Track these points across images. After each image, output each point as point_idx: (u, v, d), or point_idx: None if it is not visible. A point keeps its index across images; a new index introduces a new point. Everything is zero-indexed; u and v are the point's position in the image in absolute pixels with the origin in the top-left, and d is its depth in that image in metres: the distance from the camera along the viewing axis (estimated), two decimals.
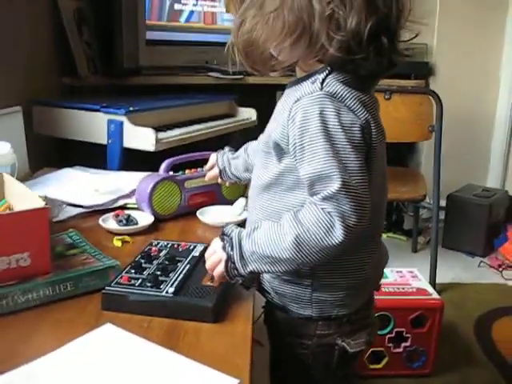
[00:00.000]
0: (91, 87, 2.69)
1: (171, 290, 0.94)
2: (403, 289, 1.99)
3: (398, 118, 2.41)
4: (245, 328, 0.90)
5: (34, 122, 2.15)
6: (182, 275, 1.00)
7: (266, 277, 1.05)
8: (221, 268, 0.93)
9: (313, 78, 0.93)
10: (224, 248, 0.93)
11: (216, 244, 0.96)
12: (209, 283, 0.98)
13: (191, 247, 1.13)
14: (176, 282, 0.97)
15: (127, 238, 1.26)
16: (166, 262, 1.04)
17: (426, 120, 2.49)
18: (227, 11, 0.89)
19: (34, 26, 2.34)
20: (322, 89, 0.90)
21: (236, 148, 1.37)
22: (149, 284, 0.96)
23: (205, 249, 1.10)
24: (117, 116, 2.02)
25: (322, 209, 0.87)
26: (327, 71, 0.92)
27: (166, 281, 0.97)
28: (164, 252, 1.10)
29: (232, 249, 0.92)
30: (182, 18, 3.02)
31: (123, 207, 1.45)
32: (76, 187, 1.58)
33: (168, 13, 2.93)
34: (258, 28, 0.90)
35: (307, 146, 0.89)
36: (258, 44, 0.92)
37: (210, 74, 2.87)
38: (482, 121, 3.53)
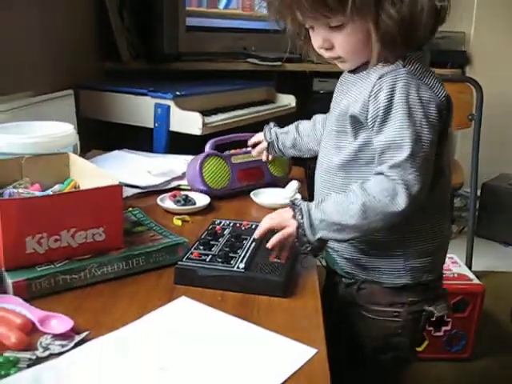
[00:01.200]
0: (132, 72, 2.73)
1: (242, 265, 0.98)
2: (444, 274, 2.00)
3: None
4: (314, 301, 0.94)
5: (80, 105, 2.19)
6: (249, 252, 1.03)
7: (349, 255, 1.11)
8: (290, 232, 0.99)
9: (391, 61, 0.98)
10: (294, 217, 0.99)
11: (285, 213, 1.02)
12: (276, 260, 1.01)
13: (253, 226, 1.16)
14: (245, 258, 1.00)
15: (187, 217, 1.30)
16: (233, 240, 1.08)
17: (465, 109, 2.49)
18: None
19: (79, 12, 2.39)
20: (404, 66, 0.97)
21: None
22: (219, 260, 1.00)
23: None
24: (164, 100, 2.06)
25: (387, 176, 0.95)
26: (401, 56, 0.98)
27: (235, 257, 1.01)
28: (228, 230, 1.14)
29: (302, 217, 0.98)
30: (221, 5, 3.04)
31: (177, 188, 1.49)
32: (129, 169, 1.62)
33: None
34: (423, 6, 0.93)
35: (386, 117, 0.96)
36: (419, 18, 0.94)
37: (249, 60, 2.89)
38: None
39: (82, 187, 1.21)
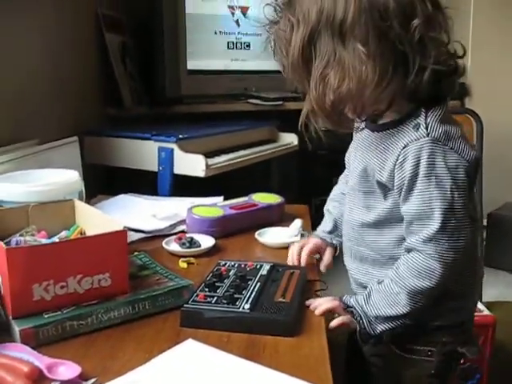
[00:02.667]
0: (135, 117, 2.78)
1: (247, 306, 0.98)
2: None
3: None
4: (321, 340, 0.94)
5: (85, 151, 2.22)
6: (254, 292, 1.04)
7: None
8: (353, 326, 1.05)
9: (414, 123, 0.99)
10: (353, 316, 1.05)
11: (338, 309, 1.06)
12: (281, 299, 1.02)
13: (258, 266, 1.17)
14: (250, 299, 1.01)
15: (192, 259, 1.31)
16: (238, 281, 1.09)
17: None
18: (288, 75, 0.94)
19: (82, 59, 2.44)
20: (428, 135, 0.97)
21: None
22: (225, 301, 1.00)
23: (271, 268, 1.15)
24: (167, 144, 2.09)
25: (421, 252, 0.98)
26: (424, 113, 0.99)
27: (241, 298, 1.01)
28: (233, 271, 1.15)
29: (360, 318, 1.04)
30: None
31: (183, 231, 1.50)
32: (134, 213, 1.64)
33: None
34: (346, 83, 0.94)
35: (412, 187, 0.97)
36: (350, 97, 0.96)
37: (250, 100, 2.94)
38: None
39: (88, 233, 1.22)
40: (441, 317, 1.08)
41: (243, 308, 0.98)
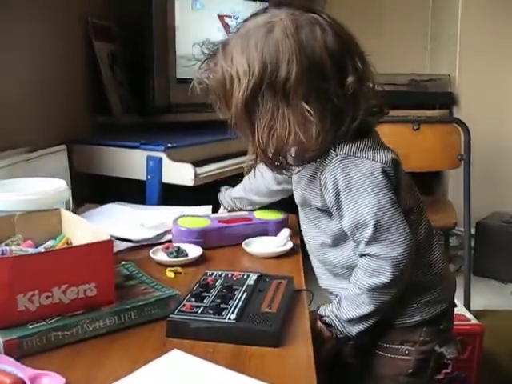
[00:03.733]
0: (124, 125, 2.77)
1: (233, 316, 0.98)
2: None
3: (427, 148, 2.47)
4: (307, 350, 0.94)
5: (73, 159, 2.22)
6: (240, 302, 1.03)
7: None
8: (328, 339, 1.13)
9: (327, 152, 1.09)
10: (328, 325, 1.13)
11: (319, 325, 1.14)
12: (267, 309, 1.01)
13: (245, 276, 1.16)
14: (237, 309, 1.00)
15: (179, 269, 1.30)
16: (224, 291, 1.08)
17: (455, 149, 2.53)
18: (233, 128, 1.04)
19: (71, 68, 2.44)
20: (337, 154, 1.08)
21: None
22: (211, 311, 0.99)
23: (258, 278, 1.15)
24: (156, 152, 2.08)
25: (369, 255, 1.06)
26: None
27: (227, 308, 1.01)
28: (220, 281, 1.14)
29: (335, 324, 1.12)
30: None
31: (170, 240, 1.50)
32: (122, 222, 1.63)
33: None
34: (292, 136, 1.03)
35: (340, 203, 1.07)
36: (294, 147, 1.10)
37: None
38: (507, 147, 3.55)
39: (75, 243, 1.21)
40: (418, 312, 1.14)
41: (229, 318, 0.97)
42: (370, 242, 1.05)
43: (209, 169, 2.17)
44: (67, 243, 1.23)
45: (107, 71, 2.69)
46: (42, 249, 1.19)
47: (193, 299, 1.05)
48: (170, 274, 1.28)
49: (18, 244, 1.20)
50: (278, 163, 1.11)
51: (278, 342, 0.95)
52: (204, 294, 1.07)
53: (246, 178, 1.51)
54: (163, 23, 2.67)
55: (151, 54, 2.68)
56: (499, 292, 3.06)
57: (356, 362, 1.21)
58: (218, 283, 1.13)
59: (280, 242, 1.44)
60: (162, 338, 0.98)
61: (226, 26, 3.01)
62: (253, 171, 1.29)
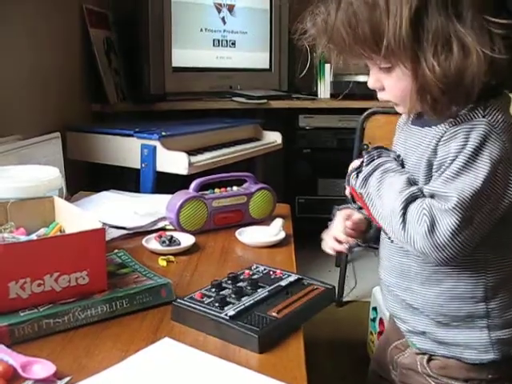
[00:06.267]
0: (119, 113, 2.77)
1: (231, 313, 0.95)
2: None
3: None
4: (298, 342, 0.94)
5: (68, 147, 2.21)
6: (252, 301, 1.00)
7: (423, 328, 1.02)
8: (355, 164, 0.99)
9: (470, 106, 0.89)
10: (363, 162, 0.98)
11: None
12: (273, 314, 0.97)
13: (284, 276, 1.13)
14: (242, 307, 0.98)
15: (172, 257, 1.31)
16: (248, 287, 1.05)
17: None
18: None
19: (66, 55, 2.43)
20: (484, 116, 0.88)
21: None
22: (216, 304, 0.98)
23: (297, 280, 1.11)
24: (150, 141, 2.08)
25: (428, 204, 0.87)
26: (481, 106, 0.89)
27: (234, 303, 0.99)
28: (256, 276, 1.11)
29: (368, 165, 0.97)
30: None
31: (163, 229, 1.50)
32: (115, 210, 1.63)
33: None
34: (470, 60, 0.82)
35: (449, 166, 0.88)
36: (471, 77, 0.84)
37: (235, 98, 2.94)
38: None
39: (67, 230, 1.22)
40: (492, 350, 0.97)
41: (226, 314, 0.95)
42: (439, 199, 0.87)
43: (203, 158, 2.18)
44: (60, 231, 1.23)
45: (103, 59, 2.68)
46: (34, 236, 1.19)
47: (213, 289, 1.04)
48: (162, 262, 1.28)
49: (11, 231, 1.20)
50: (453, 102, 0.87)
51: (263, 348, 0.90)
52: (225, 285, 1.06)
53: None
54: (159, 11, 2.67)
55: (147, 42, 2.68)
56: None
57: None
58: (250, 277, 1.10)
59: (273, 231, 1.45)
60: (154, 327, 0.98)
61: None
62: None
